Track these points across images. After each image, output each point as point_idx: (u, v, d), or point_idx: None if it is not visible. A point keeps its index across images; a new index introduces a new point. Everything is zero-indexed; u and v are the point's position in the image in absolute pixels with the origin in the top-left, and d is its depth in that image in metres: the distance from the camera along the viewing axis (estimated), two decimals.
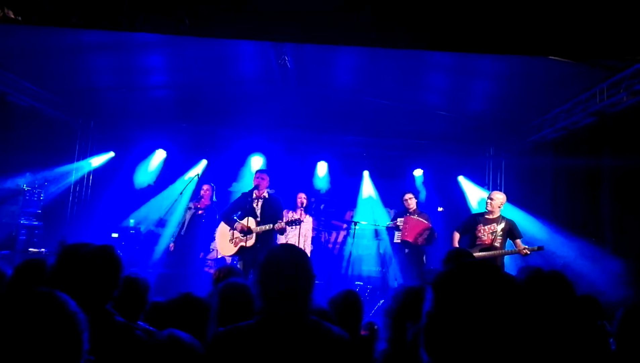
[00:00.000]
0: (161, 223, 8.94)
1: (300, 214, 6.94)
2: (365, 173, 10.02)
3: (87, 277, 2.06)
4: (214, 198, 8.22)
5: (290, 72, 7.06)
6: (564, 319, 1.85)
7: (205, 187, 8.08)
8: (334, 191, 10.34)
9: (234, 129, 9.70)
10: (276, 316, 1.98)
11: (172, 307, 2.69)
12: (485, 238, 6.38)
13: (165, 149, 9.84)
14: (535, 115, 7.77)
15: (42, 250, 7.36)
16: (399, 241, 7.58)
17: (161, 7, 3.88)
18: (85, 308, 1.22)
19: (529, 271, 2.02)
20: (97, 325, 1.26)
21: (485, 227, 6.43)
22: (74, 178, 9.28)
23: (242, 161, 9.94)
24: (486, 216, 6.52)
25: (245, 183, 9.27)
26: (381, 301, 7.91)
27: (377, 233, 9.27)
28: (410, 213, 7.62)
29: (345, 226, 10.21)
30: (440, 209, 9.60)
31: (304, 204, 7.22)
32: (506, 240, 6.38)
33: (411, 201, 7.65)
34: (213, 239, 7.74)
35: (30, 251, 7.26)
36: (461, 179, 9.70)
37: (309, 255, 7.19)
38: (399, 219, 7.74)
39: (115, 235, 8.86)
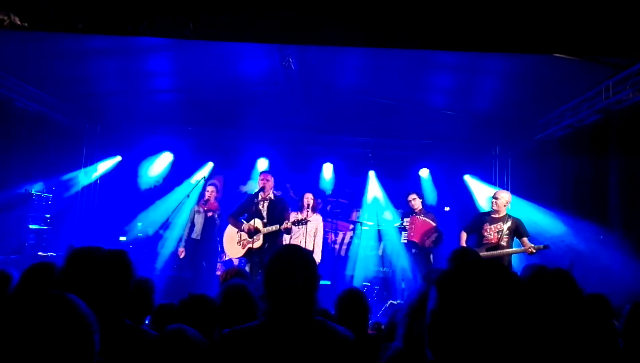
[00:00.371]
0: (168, 226, 8.99)
1: (307, 215, 6.96)
2: (371, 174, 10.02)
3: (98, 281, 2.07)
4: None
5: (295, 74, 7.07)
6: (569, 317, 1.84)
7: (209, 189, 8.05)
8: (340, 192, 10.36)
9: (240, 131, 9.73)
10: (282, 316, 1.99)
11: (179, 308, 2.71)
12: (492, 237, 6.37)
13: (171, 152, 9.87)
14: (541, 113, 7.74)
15: (51, 254, 7.41)
16: (406, 241, 7.59)
17: (165, 12, 3.91)
18: (95, 311, 1.23)
19: (533, 269, 2.02)
20: (106, 327, 1.27)
21: (492, 226, 6.42)
22: (81, 182, 9.33)
23: (248, 163, 9.97)
24: (492, 216, 6.51)
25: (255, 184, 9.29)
26: (389, 302, 7.91)
27: (382, 234, 9.25)
28: (416, 214, 7.62)
29: (351, 227, 10.21)
30: (447, 209, 9.59)
31: (311, 205, 7.21)
32: (513, 238, 6.36)
33: (415, 202, 7.65)
34: None
35: (39, 255, 7.32)
36: (467, 178, 9.67)
37: (319, 252, 7.18)
38: (405, 220, 7.74)
39: (123, 239, 8.92)
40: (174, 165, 9.96)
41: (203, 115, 9.07)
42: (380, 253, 9.11)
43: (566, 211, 7.08)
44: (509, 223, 6.37)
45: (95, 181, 9.77)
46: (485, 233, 6.44)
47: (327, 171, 10.08)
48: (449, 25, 3.93)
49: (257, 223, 6.74)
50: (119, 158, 9.75)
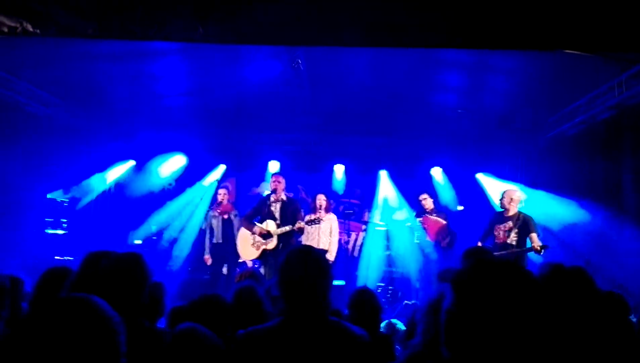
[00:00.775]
0: (181, 229, 9.04)
1: (320, 214, 6.97)
2: (383, 173, 9.99)
3: (115, 284, 2.09)
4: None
5: (304, 74, 7.08)
6: (587, 315, 1.83)
7: (221, 192, 8.07)
8: (352, 193, 10.35)
9: (251, 133, 9.76)
10: (297, 317, 2.00)
11: (191, 309, 2.73)
12: (501, 236, 6.32)
13: (184, 155, 9.90)
14: (554, 110, 7.67)
15: (67, 258, 7.49)
16: (418, 241, 7.59)
17: (174, 16, 3.93)
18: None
19: (550, 267, 2.00)
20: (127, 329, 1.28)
21: (501, 225, 6.39)
22: (97, 187, 9.41)
23: (260, 165, 10.00)
24: (503, 215, 6.48)
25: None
26: (404, 302, 7.88)
27: (394, 234, 9.22)
28: (428, 213, 7.59)
29: (363, 227, 10.19)
30: (460, 208, 9.53)
31: (323, 206, 7.19)
32: (524, 237, 6.25)
33: (427, 202, 7.63)
34: None
35: (55, 259, 7.40)
36: (480, 176, 9.59)
37: (334, 251, 7.18)
38: (417, 220, 7.73)
39: (138, 242, 9.00)
40: (187, 168, 10.01)
41: (214, 118, 9.10)
42: (392, 253, 9.08)
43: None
44: (518, 221, 6.29)
45: (110, 185, 9.85)
46: (496, 233, 6.42)
47: (339, 171, 10.08)
48: (458, 23, 3.91)
49: (270, 224, 6.77)
50: (132, 162, 9.82)
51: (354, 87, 7.94)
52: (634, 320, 2.72)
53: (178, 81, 7.90)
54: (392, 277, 8.83)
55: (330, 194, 9.08)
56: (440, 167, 9.82)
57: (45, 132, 7.61)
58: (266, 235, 6.73)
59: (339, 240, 9.57)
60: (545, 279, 1.92)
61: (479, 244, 6.60)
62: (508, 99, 7.66)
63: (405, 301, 7.88)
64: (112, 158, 9.53)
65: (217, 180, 8.55)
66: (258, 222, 6.92)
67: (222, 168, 9.98)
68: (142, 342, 2.01)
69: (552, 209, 7.29)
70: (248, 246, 6.92)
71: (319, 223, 6.88)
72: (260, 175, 10.11)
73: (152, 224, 9.34)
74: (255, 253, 6.86)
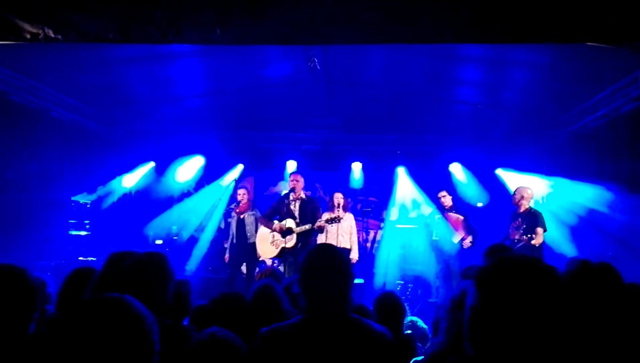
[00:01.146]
0: (201, 228, 9.11)
1: (339, 214, 6.97)
2: (401, 170, 9.92)
3: (139, 284, 2.11)
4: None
5: (320, 73, 7.08)
6: (615, 313, 1.80)
7: (241, 192, 8.11)
8: (369, 191, 10.32)
9: (269, 133, 9.80)
10: (318, 315, 2.01)
11: (212, 307, 2.76)
12: (512, 233, 6.35)
13: (203, 156, 9.97)
14: (575, 103, 7.54)
15: (91, 258, 7.61)
16: (437, 238, 7.54)
17: (192, 19, 3.97)
18: None
19: (576, 263, 1.97)
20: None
21: (513, 223, 6.47)
22: (118, 188, 9.54)
23: (277, 164, 10.03)
24: (516, 212, 6.54)
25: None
26: (425, 300, 7.85)
27: (414, 231, 9.17)
28: (447, 210, 7.54)
29: (381, 225, 10.16)
30: (480, 204, 9.42)
31: (341, 204, 7.18)
32: (530, 232, 6.19)
33: (445, 199, 7.59)
34: None
35: (79, 260, 7.52)
36: (500, 171, 9.45)
37: (357, 250, 7.20)
38: (436, 217, 7.69)
39: (159, 242, 9.11)
40: (205, 168, 10.09)
41: (232, 118, 9.16)
42: (410, 250, 9.04)
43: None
44: (527, 217, 6.33)
45: (131, 187, 9.97)
46: (510, 230, 6.47)
47: (357, 169, 10.06)
48: (476, 17, 3.87)
49: (290, 222, 6.79)
50: (152, 164, 9.93)
51: (370, 84, 7.92)
52: None
53: (196, 82, 7.98)
54: (411, 275, 8.79)
55: (348, 193, 9.08)
56: (460, 163, 9.71)
57: (69, 136, 7.75)
58: (286, 232, 6.74)
59: (358, 238, 9.58)
60: (572, 276, 1.89)
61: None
62: (529, 93, 7.55)
63: (427, 300, 7.86)
64: (134, 160, 9.65)
65: (235, 179, 8.58)
66: (277, 221, 6.94)
67: (240, 167, 10.04)
68: (169, 340, 2.03)
69: (576, 196, 7.23)
70: (267, 245, 6.96)
71: (339, 222, 6.87)
72: (278, 175, 10.14)
73: (173, 224, 9.44)
74: (274, 252, 6.88)
